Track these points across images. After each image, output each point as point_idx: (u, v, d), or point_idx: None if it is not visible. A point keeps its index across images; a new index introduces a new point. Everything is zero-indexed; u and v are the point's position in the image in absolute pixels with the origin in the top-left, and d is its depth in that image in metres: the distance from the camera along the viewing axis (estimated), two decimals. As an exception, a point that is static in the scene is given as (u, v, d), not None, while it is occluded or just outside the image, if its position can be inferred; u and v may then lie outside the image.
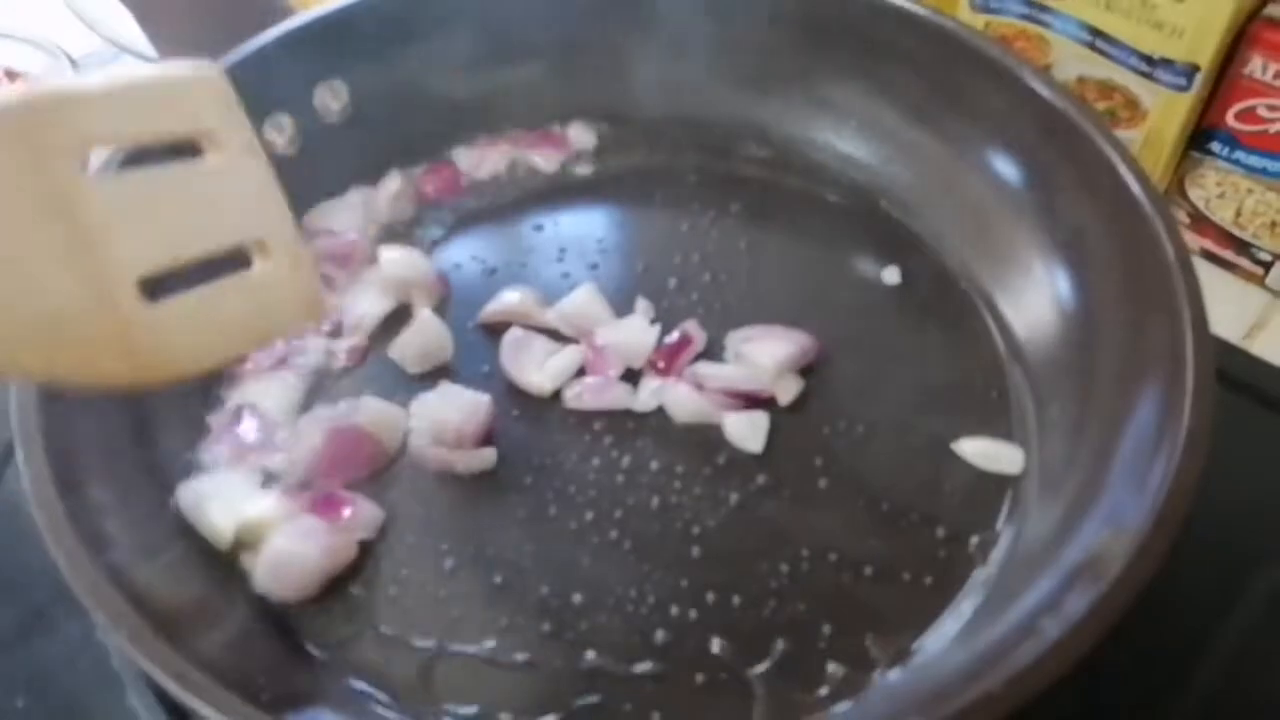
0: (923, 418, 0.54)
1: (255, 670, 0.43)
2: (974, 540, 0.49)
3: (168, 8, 0.70)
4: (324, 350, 0.57)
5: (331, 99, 0.62)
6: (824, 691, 0.45)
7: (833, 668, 0.45)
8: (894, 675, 0.45)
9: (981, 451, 0.52)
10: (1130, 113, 0.69)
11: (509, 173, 0.66)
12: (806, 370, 0.55)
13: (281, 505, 0.49)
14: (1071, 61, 0.70)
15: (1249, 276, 0.70)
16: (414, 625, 0.47)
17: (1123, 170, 0.50)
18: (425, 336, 0.56)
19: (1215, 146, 0.68)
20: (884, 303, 0.59)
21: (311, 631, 0.47)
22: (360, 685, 0.46)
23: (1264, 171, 0.66)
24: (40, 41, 0.77)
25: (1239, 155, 0.67)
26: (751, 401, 0.54)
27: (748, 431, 0.52)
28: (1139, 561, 0.38)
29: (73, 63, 0.74)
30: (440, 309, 0.59)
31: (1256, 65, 0.63)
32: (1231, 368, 0.56)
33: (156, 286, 0.38)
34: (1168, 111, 0.67)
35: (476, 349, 0.57)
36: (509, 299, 0.58)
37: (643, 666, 0.45)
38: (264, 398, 0.55)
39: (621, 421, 0.54)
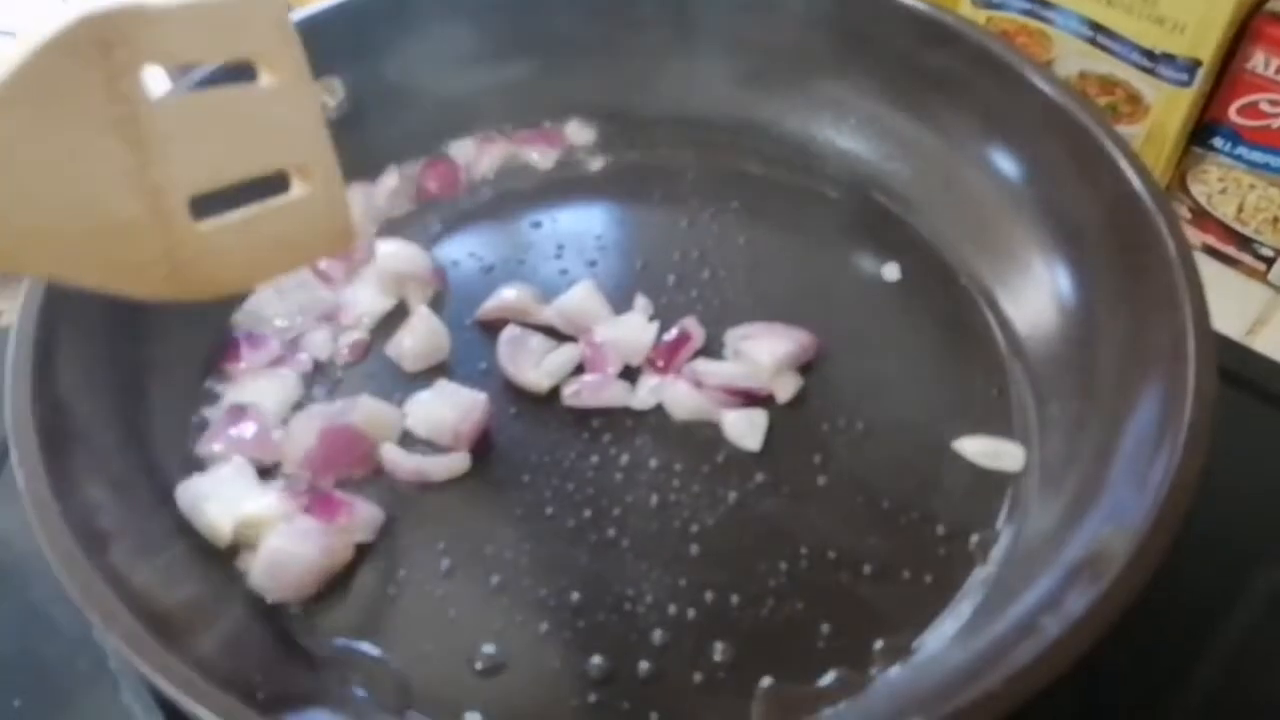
0: (922, 415, 0.53)
1: (251, 670, 0.43)
2: (974, 538, 0.49)
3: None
4: (323, 346, 0.57)
5: (328, 96, 0.61)
6: (823, 690, 0.44)
7: (831, 666, 0.45)
8: (893, 674, 0.45)
9: (982, 449, 0.52)
10: (1132, 108, 0.69)
11: (507, 169, 0.66)
12: (805, 368, 0.55)
13: (280, 504, 0.49)
14: (1073, 57, 0.69)
15: (1251, 272, 0.70)
16: (411, 626, 0.47)
17: (1124, 166, 0.50)
18: (422, 334, 0.56)
19: (1217, 142, 0.67)
20: (884, 299, 0.59)
21: (308, 631, 0.47)
22: (356, 685, 0.45)
23: (1266, 167, 0.66)
24: (38, 39, 0.76)
25: (1241, 150, 0.67)
26: (750, 399, 0.53)
27: (746, 429, 0.52)
28: (1140, 560, 0.38)
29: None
30: (437, 306, 0.59)
31: (1259, 60, 0.63)
32: (1233, 364, 0.56)
33: (201, 206, 0.40)
34: (1169, 107, 0.67)
35: (474, 347, 0.57)
36: (506, 296, 0.58)
37: (641, 666, 0.45)
38: (261, 395, 0.54)
39: (620, 419, 0.53)
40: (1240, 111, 0.65)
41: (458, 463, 0.51)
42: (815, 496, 0.51)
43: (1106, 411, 0.47)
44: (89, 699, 0.49)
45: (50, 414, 0.44)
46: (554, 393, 0.54)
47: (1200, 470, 0.40)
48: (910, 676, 0.44)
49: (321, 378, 0.56)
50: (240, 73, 0.41)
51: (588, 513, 0.50)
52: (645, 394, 0.54)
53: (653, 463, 0.52)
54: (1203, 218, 0.70)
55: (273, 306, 0.58)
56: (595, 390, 0.54)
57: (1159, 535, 0.38)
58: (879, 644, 0.46)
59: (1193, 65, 0.64)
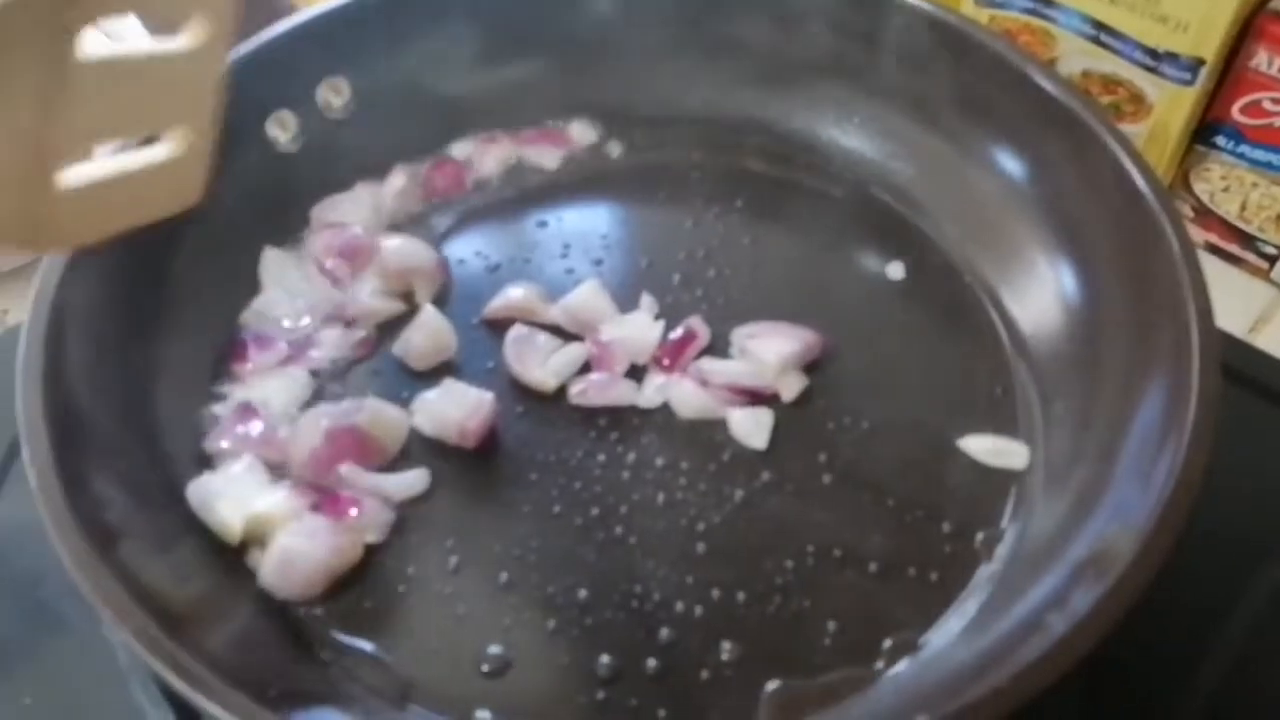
0: (927, 414, 0.53)
1: (261, 667, 0.43)
2: (979, 536, 0.49)
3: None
4: (331, 346, 0.57)
5: (334, 96, 0.62)
6: (830, 687, 0.44)
7: (838, 663, 0.45)
8: (900, 671, 0.45)
9: (986, 447, 0.52)
10: (1135, 107, 0.69)
11: (512, 169, 0.66)
12: (811, 366, 0.55)
13: (289, 501, 0.49)
14: (1076, 56, 0.70)
15: (1254, 270, 0.70)
16: (420, 623, 0.47)
17: (1128, 165, 0.50)
18: (429, 333, 0.56)
19: (1220, 140, 0.68)
20: (888, 298, 0.59)
21: (317, 629, 0.47)
22: (365, 683, 0.45)
23: (1269, 165, 0.66)
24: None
25: (1244, 149, 0.67)
26: (756, 398, 0.54)
27: (752, 428, 0.52)
28: (1144, 558, 0.38)
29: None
30: (443, 305, 0.59)
31: (1262, 59, 0.63)
32: (1236, 362, 0.56)
33: None
34: (1172, 105, 0.67)
35: (480, 345, 0.57)
36: (513, 295, 0.58)
37: (649, 663, 0.45)
38: (269, 394, 0.55)
39: (626, 418, 0.54)
40: (1243, 110, 0.65)
41: (417, 481, 0.51)
42: (821, 495, 0.51)
43: (1111, 410, 0.48)
44: (99, 696, 0.50)
45: (61, 413, 0.45)
46: (560, 391, 0.54)
47: (1204, 468, 0.40)
48: (916, 673, 0.44)
49: (329, 377, 0.56)
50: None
51: (595, 511, 0.50)
52: (651, 392, 0.54)
53: (659, 461, 0.52)
54: (1205, 216, 0.71)
55: (280, 307, 0.58)
56: (601, 389, 0.54)
57: (1163, 533, 0.38)
58: (885, 641, 0.46)
59: (1195, 64, 0.64)
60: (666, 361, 0.55)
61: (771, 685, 0.45)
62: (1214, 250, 0.71)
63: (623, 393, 0.54)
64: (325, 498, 0.50)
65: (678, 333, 0.56)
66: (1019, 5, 0.70)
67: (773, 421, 0.53)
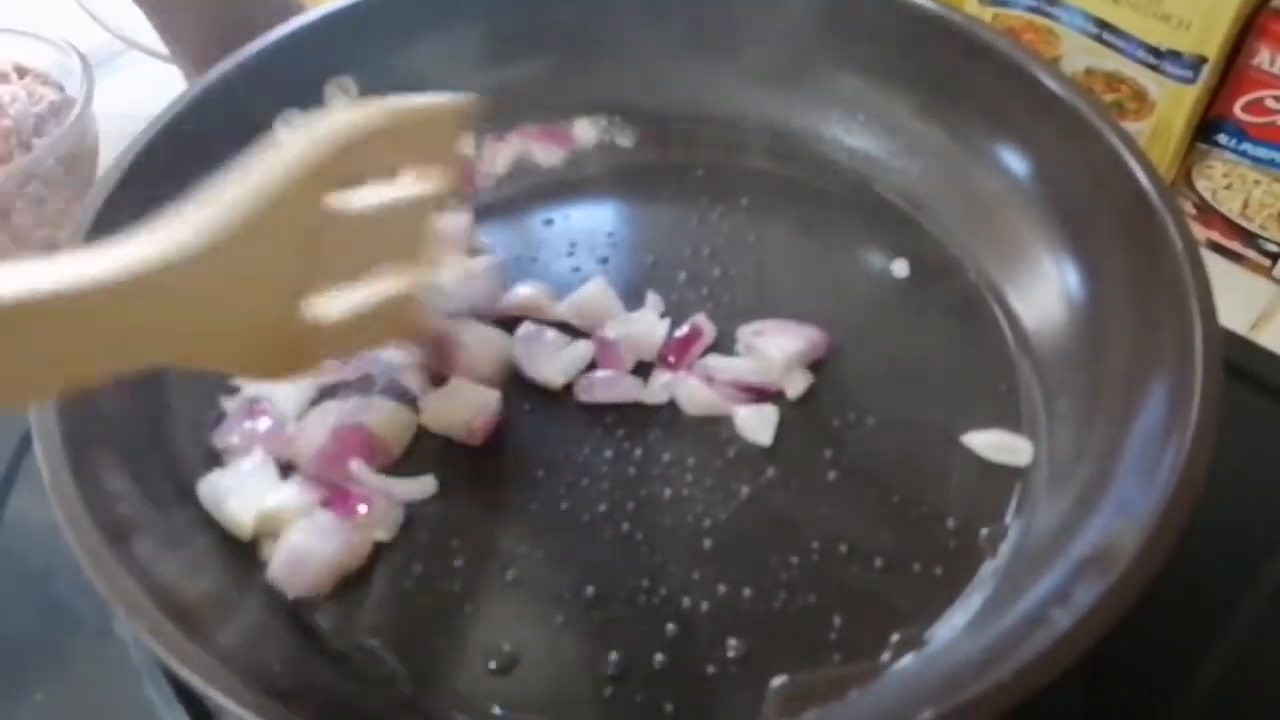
0: (932, 410, 0.54)
1: (272, 662, 0.44)
2: (983, 532, 0.49)
3: (179, 4, 0.70)
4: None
5: (342, 95, 0.62)
6: (835, 681, 0.45)
7: (844, 658, 0.45)
8: (905, 665, 0.45)
9: (991, 444, 0.52)
10: (1138, 104, 0.69)
11: (518, 167, 0.66)
12: (815, 364, 0.55)
13: (300, 498, 0.49)
14: (1079, 54, 0.70)
15: (1256, 268, 0.70)
16: (427, 620, 0.47)
17: (1131, 163, 0.50)
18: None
19: (1222, 138, 0.68)
20: (893, 296, 0.59)
21: (326, 625, 0.47)
22: (374, 679, 0.46)
23: (1271, 163, 0.66)
24: (49, 37, 0.77)
25: (1246, 147, 0.67)
26: (761, 395, 0.54)
27: (758, 425, 0.53)
28: (1148, 554, 0.38)
29: (82, 58, 0.75)
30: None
31: (1264, 57, 0.63)
32: (1238, 358, 0.56)
33: None
34: (1175, 103, 0.67)
35: (486, 343, 0.57)
36: (521, 293, 0.58)
37: (656, 658, 0.46)
38: (278, 389, 0.55)
39: (632, 415, 0.54)
40: (1245, 108, 0.66)
41: (424, 486, 0.51)
42: (826, 491, 0.51)
43: (1114, 407, 0.48)
44: (110, 692, 0.50)
45: (73, 408, 0.45)
46: (567, 388, 0.55)
47: (1207, 465, 0.40)
48: (921, 668, 0.44)
49: (340, 372, 0.56)
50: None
51: (602, 507, 0.50)
52: (657, 390, 0.54)
53: (665, 457, 0.52)
54: (1208, 213, 0.71)
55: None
56: (607, 386, 0.54)
57: (1167, 529, 0.38)
58: (890, 636, 0.46)
59: (1198, 62, 0.65)
60: (672, 359, 0.55)
61: (778, 680, 0.45)
62: (1216, 248, 0.71)
63: (629, 390, 0.54)
64: (335, 494, 0.50)
65: (683, 330, 0.56)
66: (1022, 4, 0.71)
67: (778, 418, 0.53)
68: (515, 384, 0.55)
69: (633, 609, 0.47)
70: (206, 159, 0.54)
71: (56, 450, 0.43)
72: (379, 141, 0.41)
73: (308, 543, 0.48)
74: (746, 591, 0.47)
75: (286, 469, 0.52)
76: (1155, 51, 0.66)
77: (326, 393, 0.55)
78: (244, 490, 0.49)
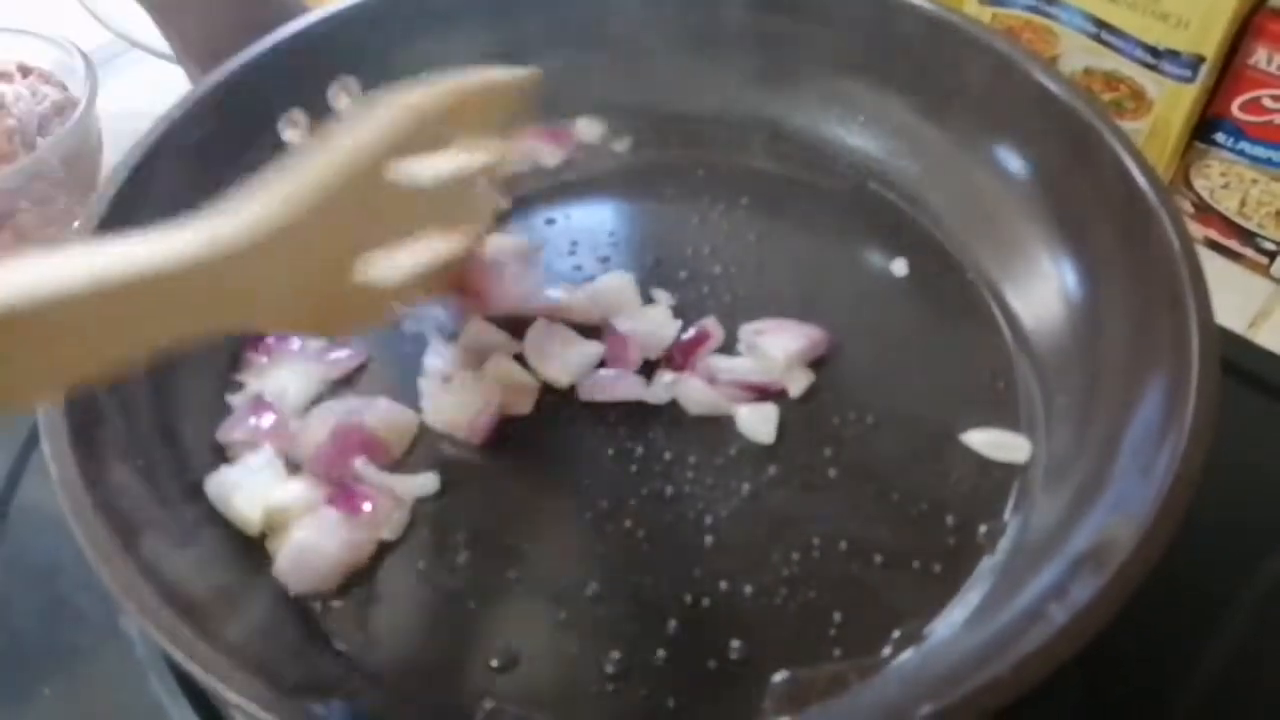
0: (931, 408, 0.54)
1: (279, 658, 0.44)
2: (982, 529, 0.50)
3: (183, 5, 0.70)
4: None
5: (345, 95, 0.62)
6: (836, 676, 0.45)
7: (844, 653, 0.46)
8: (905, 660, 0.45)
9: (989, 441, 0.52)
10: (1136, 104, 0.70)
11: (520, 167, 0.67)
12: (816, 362, 0.56)
13: (306, 494, 0.50)
14: (1078, 53, 0.70)
15: (1253, 266, 0.71)
16: (431, 616, 0.48)
17: (1128, 163, 0.50)
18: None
19: (1220, 137, 0.68)
20: (892, 294, 0.60)
21: (331, 621, 0.48)
22: (379, 674, 0.46)
23: (1269, 162, 0.67)
24: (53, 36, 0.77)
25: (1244, 146, 0.67)
26: (763, 394, 0.54)
27: (759, 424, 0.53)
28: (1144, 550, 0.38)
29: (85, 58, 0.75)
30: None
31: (1261, 56, 0.63)
32: (1235, 357, 0.57)
33: None
34: (1173, 102, 0.68)
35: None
36: (552, 295, 0.58)
37: (658, 654, 0.46)
38: (283, 384, 0.55)
39: (635, 412, 0.54)
40: (1243, 107, 0.66)
41: (426, 484, 0.52)
42: (827, 488, 0.51)
43: (1112, 405, 0.48)
44: (117, 688, 0.50)
45: (80, 404, 0.45)
46: (570, 386, 0.55)
47: (1203, 462, 0.40)
48: (920, 663, 0.45)
49: (347, 367, 0.57)
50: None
51: (604, 504, 0.51)
52: (660, 389, 0.54)
53: (667, 455, 0.52)
54: (1205, 212, 0.71)
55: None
56: (610, 385, 0.55)
57: (1163, 526, 0.39)
58: (889, 632, 0.46)
59: (1196, 61, 0.65)
60: (678, 360, 0.55)
61: (779, 675, 0.45)
62: (1214, 246, 0.72)
63: (631, 389, 0.54)
64: (340, 491, 0.50)
65: (690, 333, 0.56)
66: (1021, 3, 0.71)
67: (779, 417, 0.53)
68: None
69: (635, 606, 0.48)
70: (212, 159, 0.56)
71: (64, 447, 0.43)
72: (443, 117, 0.44)
73: (313, 540, 0.48)
74: (748, 588, 0.48)
75: (295, 466, 0.52)
76: (1153, 51, 0.66)
77: (330, 390, 0.56)
78: (251, 486, 0.50)
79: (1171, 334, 0.45)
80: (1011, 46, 0.58)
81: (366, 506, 0.50)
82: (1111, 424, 0.47)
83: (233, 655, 0.39)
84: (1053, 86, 0.55)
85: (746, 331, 0.56)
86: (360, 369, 0.57)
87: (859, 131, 0.65)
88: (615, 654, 0.46)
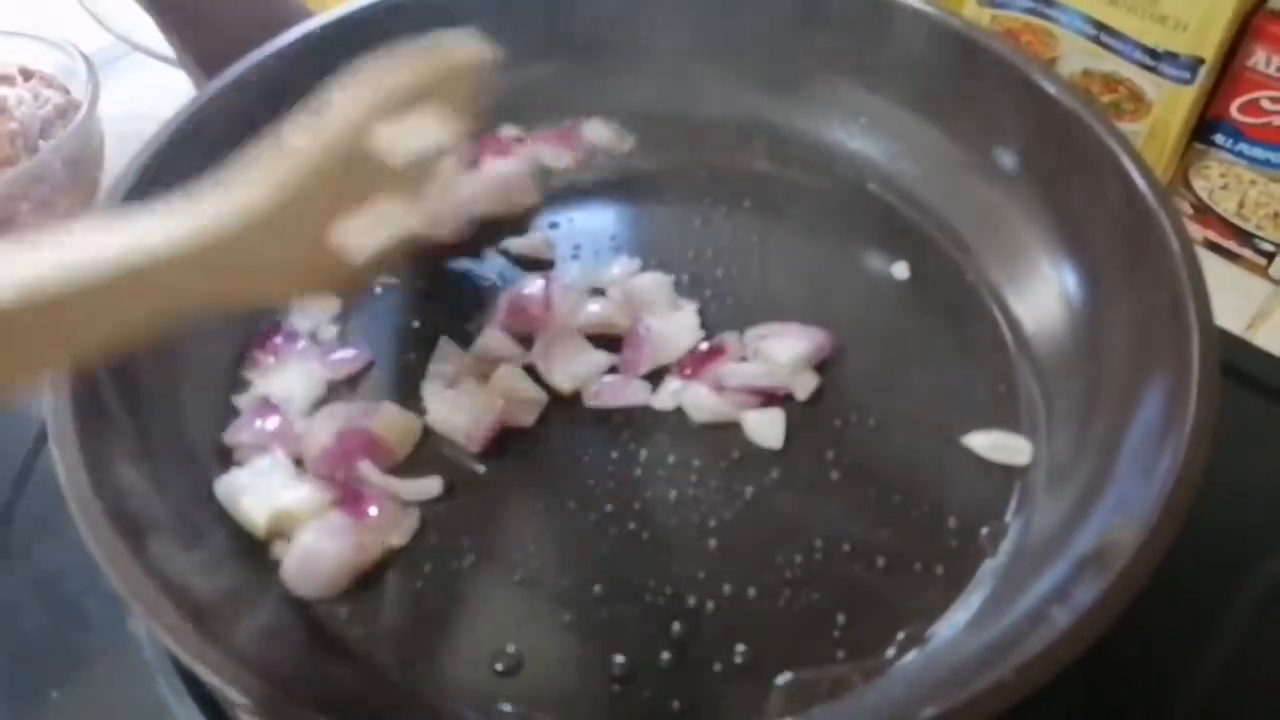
0: (932, 410, 0.54)
1: (287, 661, 0.44)
2: (984, 531, 0.50)
3: (185, 7, 0.70)
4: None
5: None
6: (839, 678, 0.45)
7: (848, 655, 0.46)
8: (908, 663, 0.46)
9: (991, 444, 0.53)
10: (1135, 105, 0.70)
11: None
12: (819, 365, 0.56)
13: (313, 497, 0.50)
14: (1077, 55, 0.71)
15: (1252, 267, 0.71)
16: (438, 619, 0.48)
17: (1128, 167, 0.51)
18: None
19: (1219, 138, 0.69)
20: (893, 297, 0.60)
21: (339, 624, 0.48)
22: (386, 677, 0.46)
23: (1267, 163, 0.67)
24: (54, 39, 0.77)
25: (1242, 147, 0.68)
26: (769, 398, 0.54)
27: (767, 429, 0.53)
28: (1146, 552, 0.39)
29: (87, 61, 0.75)
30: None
31: (1260, 58, 0.64)
32: (1233, 358, 0.57)
33: None
34: (1172, 104, 0.68)
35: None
36: (594, 310, 0.58)
37: (662, 657, 0.46)
38: (289, 385, 0.56)
39: (639, 415, 0.54)
40: (1241, 109, 0.66)
41: (431, 487, 0.52)
42: (829, 491, 0.52)
43: (1112, 407, 0.48)
44: (125, 690, 0.50)
45: (88, 406, 0.45)
46: (576, 392, 0.55)
47: (1204, 466, 0.41)
48: (924, 665, 0.45)
49: (352, 367, 0.57)
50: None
51: (609, 507, 0.51)
52: (665, 396, 0.54)
53: (671, 458, 0.53)
54: (1204, 213, 0.71)
55: (309, 301, 0.59)
56: (615, 391, 0.55)
57: (1165, 528, 0.39)
58: (892, 634, 0.47)
59: (1194, 63, 0.65)
60: (689, 370, 0.55)
61: (783, 677, 0.45)
62: (1213, 247, 0.72)
63: (636, 395, 0.55)
64: (346, 495, 0.51)
65: (705, 346, 0.56)
66: (1020, 5, 0.71)
67: (785, 421, 0.54)
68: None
69: (639, 608, 0.48)
70: (215, 164, 0.56)
71: (72, 449, 0.43)
72: (418, 91, 0.47)
73: (319, 544, 0.48)
74: (751, 591, 0.48)
75: (303, 467, 0.52)
76: (1152, 53, 0.67)
77: (336, 391, 0.56)
78: (259, 489, 0.50)
79: (1172, 337, 0.45)
80: (1012, 51, 0.58)
81: (373, 510, 0.50)
82: (1112, 426, 0.47)
83: (240, 658, 0.39)
84: (1052, 90, 0.55)
85: (751, 336, 0.57)
86: (366, 369, 0.57)
87: (860, 134, 0.66)
88: (620, 657, 0.46)
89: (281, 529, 0.49)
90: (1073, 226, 0.56)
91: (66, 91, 0.76)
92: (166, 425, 0.51)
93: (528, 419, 0.54)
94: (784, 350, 0.55)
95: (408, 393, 0.55)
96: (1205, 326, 0.45)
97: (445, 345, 0.57)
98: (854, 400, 0.55)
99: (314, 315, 0.59)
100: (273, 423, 0.54)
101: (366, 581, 0.49)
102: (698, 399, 0.54)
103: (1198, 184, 0.71)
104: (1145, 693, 0.49)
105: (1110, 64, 0.69)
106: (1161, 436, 0.43)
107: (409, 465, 0.53)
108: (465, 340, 0.57)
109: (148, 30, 0.77)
